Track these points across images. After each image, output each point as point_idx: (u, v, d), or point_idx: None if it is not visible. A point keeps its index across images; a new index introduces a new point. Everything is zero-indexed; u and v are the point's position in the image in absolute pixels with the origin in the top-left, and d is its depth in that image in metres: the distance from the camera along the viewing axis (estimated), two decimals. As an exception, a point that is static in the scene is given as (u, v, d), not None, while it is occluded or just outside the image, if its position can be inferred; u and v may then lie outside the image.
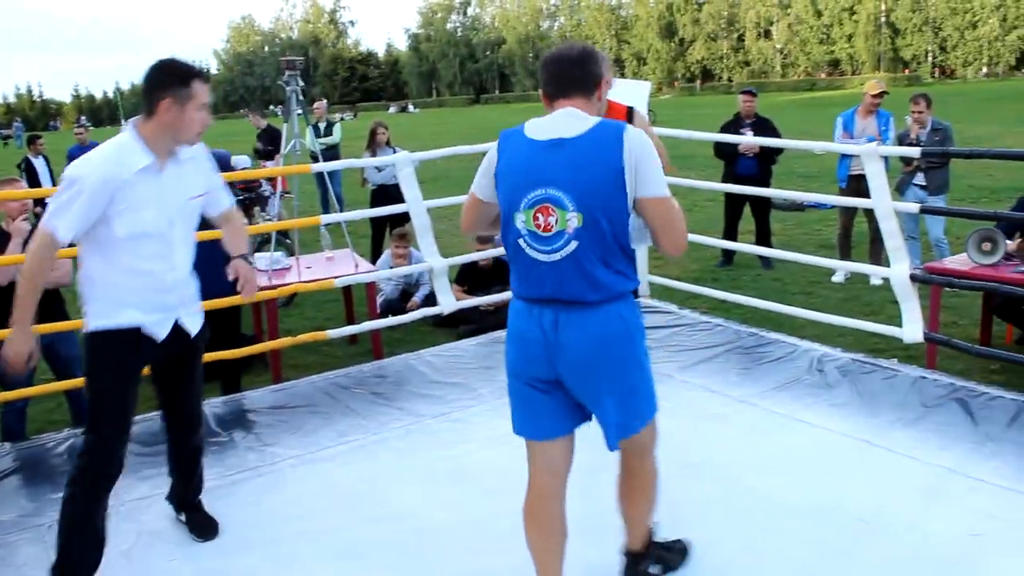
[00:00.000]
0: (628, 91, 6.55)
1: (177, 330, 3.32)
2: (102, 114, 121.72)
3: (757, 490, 3.84)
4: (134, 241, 3.08)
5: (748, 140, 8.12)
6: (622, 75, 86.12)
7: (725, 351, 5.52)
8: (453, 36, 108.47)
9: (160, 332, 3.25)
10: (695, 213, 12.26)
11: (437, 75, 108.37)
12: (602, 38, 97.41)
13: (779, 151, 8.89)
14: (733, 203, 8.97)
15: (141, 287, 3.17)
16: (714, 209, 11.57)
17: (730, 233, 8.89)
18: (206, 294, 4.98)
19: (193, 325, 3.42)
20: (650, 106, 6.50)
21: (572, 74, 2.64)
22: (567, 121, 2.58)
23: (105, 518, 3.30)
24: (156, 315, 3.23)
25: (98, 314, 3.15)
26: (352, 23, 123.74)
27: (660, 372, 5.36)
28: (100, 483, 3.23)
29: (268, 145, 13.48)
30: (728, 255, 8.95)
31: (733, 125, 8.89)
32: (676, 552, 3.25)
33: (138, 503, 4.00)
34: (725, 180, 8.75)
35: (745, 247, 7.81)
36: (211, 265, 5.20)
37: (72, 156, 12.32)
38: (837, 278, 8.00)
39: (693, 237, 6.73)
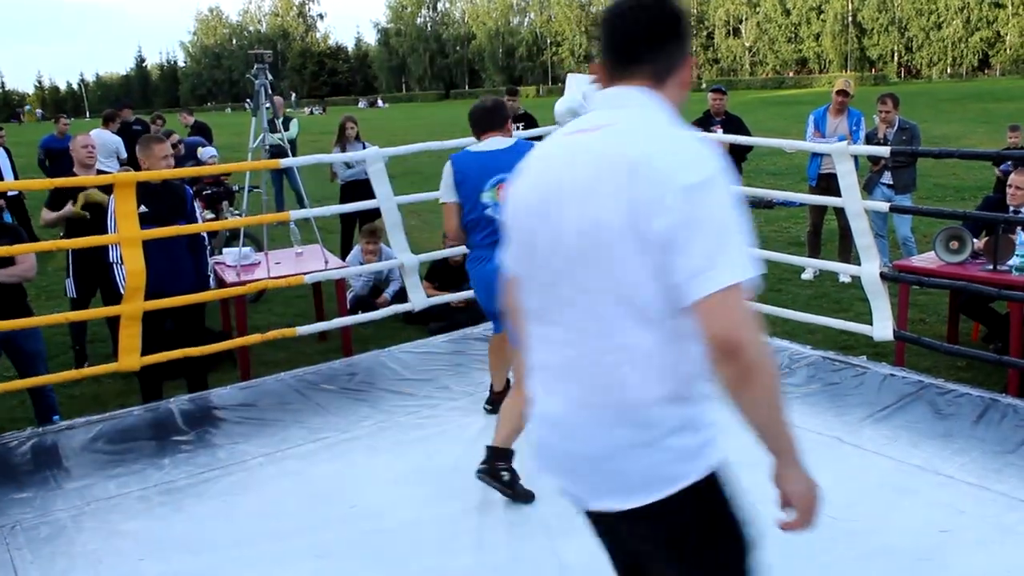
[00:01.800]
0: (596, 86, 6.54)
1: None
2: (66, 105, 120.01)
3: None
4: None
5: (717, 138, 8.14)
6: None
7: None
8: (423, 31, 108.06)
9: None
10: (665, 210, 12.31)
11: (407, 70, 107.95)
12: (571, 34, 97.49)
13: (749, 149, 8.93)
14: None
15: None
16: (684, 206, 11.60)
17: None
18: (166, 290, 4.96)
19: None
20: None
21: (489, 119, 4.26)
22: (498, 142, 4.18)
23: None
24: None
25: (711, 441, 1.87)
26: (321, 16, 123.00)
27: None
28: None
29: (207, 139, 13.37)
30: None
31: (703, 123, 8.91)
32: (522, 490, 3.74)
33: (106, 503, 3.94)
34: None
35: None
36: (169, 260, 5.15)
37: (47, 146, 12.07)
38: (807, 275, 8.05)
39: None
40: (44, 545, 3.59)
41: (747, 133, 8.66)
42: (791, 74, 78.99)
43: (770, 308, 5.76)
